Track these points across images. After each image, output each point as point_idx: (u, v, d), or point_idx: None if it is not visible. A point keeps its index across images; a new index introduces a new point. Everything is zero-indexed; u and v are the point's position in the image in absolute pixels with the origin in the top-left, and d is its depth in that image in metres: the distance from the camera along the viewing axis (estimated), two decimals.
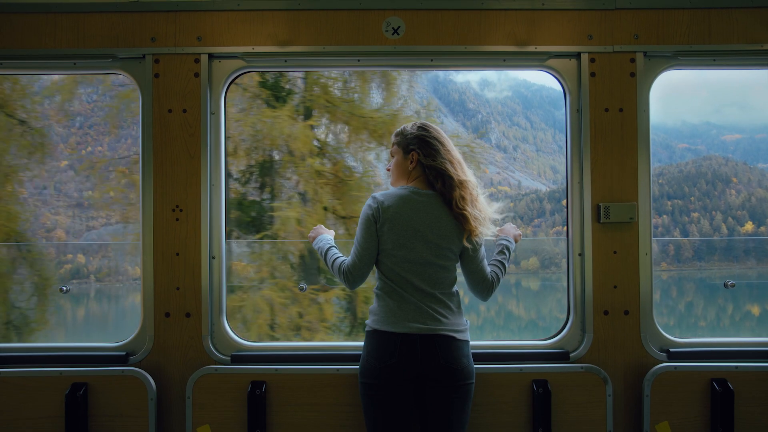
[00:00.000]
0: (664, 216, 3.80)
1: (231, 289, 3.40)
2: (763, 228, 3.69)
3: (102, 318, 3.77)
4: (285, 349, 2.74)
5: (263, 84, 3.56)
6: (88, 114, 3.81)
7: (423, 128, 2.27)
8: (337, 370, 2.58)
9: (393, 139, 2.35)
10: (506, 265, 2.35)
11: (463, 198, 2.18)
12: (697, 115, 3.82)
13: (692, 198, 3.82)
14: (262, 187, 3.64)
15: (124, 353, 2.66)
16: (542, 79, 2.76)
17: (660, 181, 3.88)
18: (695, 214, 3.78)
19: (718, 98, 3.59)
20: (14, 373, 2.58)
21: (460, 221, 2.18)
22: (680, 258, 3.68)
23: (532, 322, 3.61)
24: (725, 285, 2.88)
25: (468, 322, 2.27)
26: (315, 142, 3.62)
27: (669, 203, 3.84)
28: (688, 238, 3.66)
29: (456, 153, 2.26)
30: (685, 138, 3.97)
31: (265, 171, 3.62)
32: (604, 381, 2.57)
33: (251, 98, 3.56)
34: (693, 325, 3.80)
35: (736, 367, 2.56)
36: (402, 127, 2.33)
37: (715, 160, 3.90)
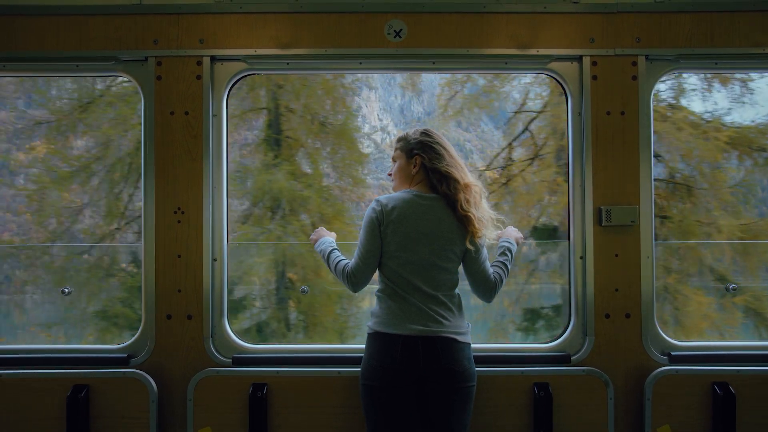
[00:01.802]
0: None
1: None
2: None
3: None
4: (286, 352, 2.74)
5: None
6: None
7: (426, 134, 2.30)
8: (339, 372, 2.58)
9: (395, 144, 2.37)
10: (509, 267, 2.36)
11: (467, 200, 2.20)
12: None
13: None
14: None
15: (125, 355, 2.66)
16: None
17: None
18: None
19: None
20: (16, 375, 2.58)
21: (463, 223, 2.19)
22: None
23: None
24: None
25: (469, 324, 2.27)
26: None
27: None
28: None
29: (458, 158, 2.28)
30: None
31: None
32: (606, 384, 2.56)
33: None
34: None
35: (738, 370, 2.56)
36: (404, 132, 2.36)
37: None
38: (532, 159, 3.52)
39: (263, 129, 3.57)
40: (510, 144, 3.54)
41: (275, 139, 3.57)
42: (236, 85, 2.80)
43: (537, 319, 3.48)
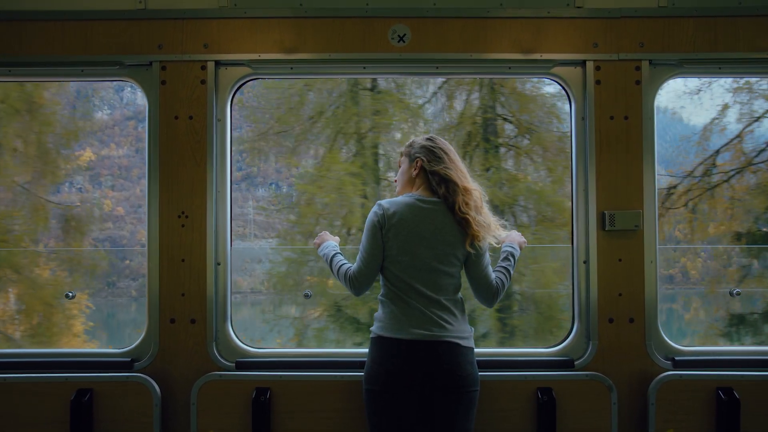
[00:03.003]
0: None
1: None
2: None
3: None
4: (289, 356, 2.74)
5: None
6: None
7: (430, 139, 2.32)
8: (342, 376, 2.58)
9: (402, 150, 2.38)
10: (511, 272, 2.36)
11: (466, 203, 2.19)
12: None
13: None
14: None
15: (129, 359, 2.67)
16: None
17: None
18: None
19: None
20: (20, 379, 2.58)
21: (463, 226, 2.19)
22: None
23: None
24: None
25: (472, 329, 2.27)
26: None
27: None
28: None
29: (461, 164, 2.29)
30: None
31: None
32: (609, 389, 2.56)
33: None
34: None
35: (742, 375, 2.55)
36: (411, 139, 2.38)
37: None
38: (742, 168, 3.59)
39: (483, 136, 3.60)
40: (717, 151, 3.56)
41: (495, 146, 3.61)
42: (239, 90, 2.81)
43: (742, 324, 3.46)
